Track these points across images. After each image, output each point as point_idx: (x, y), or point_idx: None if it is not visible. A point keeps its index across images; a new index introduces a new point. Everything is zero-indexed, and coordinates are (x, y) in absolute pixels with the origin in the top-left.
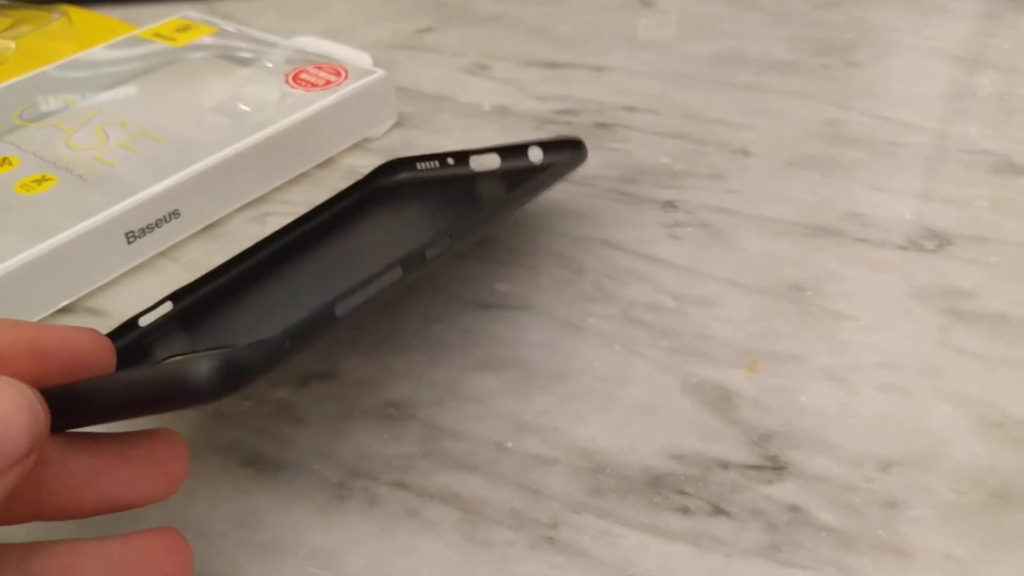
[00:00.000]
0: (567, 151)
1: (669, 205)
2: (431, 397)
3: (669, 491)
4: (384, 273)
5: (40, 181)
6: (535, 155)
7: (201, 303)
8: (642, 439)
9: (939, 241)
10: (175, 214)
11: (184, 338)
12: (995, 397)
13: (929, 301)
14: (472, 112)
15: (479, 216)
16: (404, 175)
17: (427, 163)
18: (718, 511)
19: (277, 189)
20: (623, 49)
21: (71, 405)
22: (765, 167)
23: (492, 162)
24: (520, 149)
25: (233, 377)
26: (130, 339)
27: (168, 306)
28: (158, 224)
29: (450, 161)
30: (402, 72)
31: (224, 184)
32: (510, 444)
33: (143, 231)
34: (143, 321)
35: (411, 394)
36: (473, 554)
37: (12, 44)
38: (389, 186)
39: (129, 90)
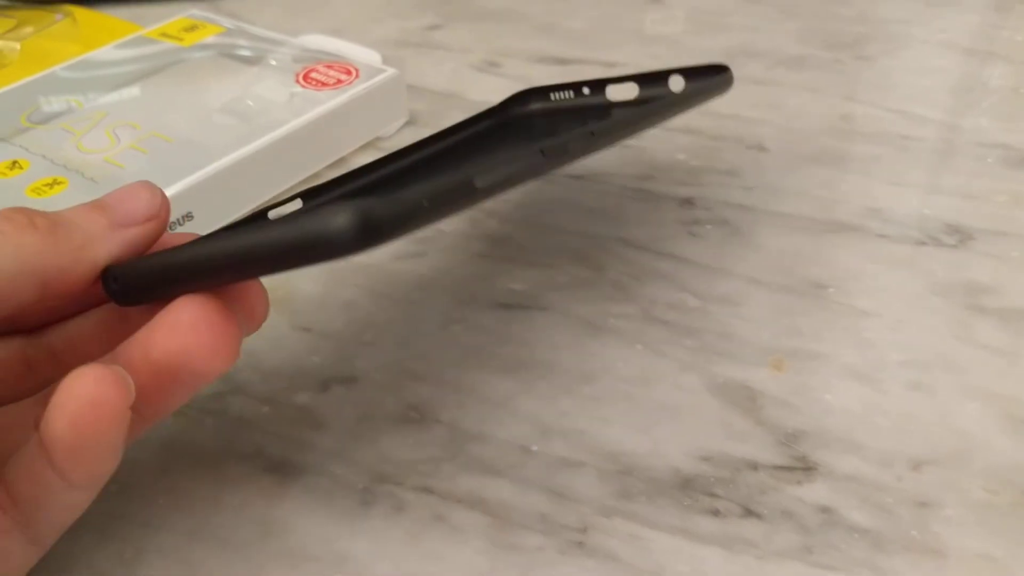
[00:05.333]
0: (711, 77)
1: (687, 202)
2: (453, 400)
3: (699, 493)
4: (527, 158)
5: (52, 184)
6: (676, 84)
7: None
8: (669, 441)
9: (960, 236)
10: (188, 216)
11: None
12: (1022, 393)
13: (952, 297)
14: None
15: (618, 122)
16: (537, 105)
17: (562, 93)
18: (749, 513)
19: (289, 190)
20: (632, 44)
21: (205, 264)
22: (781, 162)
23: (630, 92)
24: (660, 77)
25: (370, 230)
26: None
27: (298, 203)
28: (171, 227)
29: (585, 91)
30: (411, 70)
31: (236, 186)
32: (535, 447)
33: None
34: (272, 214)
35: (432, 397)
36: (502, 560)
37: (16, 45)
38: (521, 116)
39: (137, 91)
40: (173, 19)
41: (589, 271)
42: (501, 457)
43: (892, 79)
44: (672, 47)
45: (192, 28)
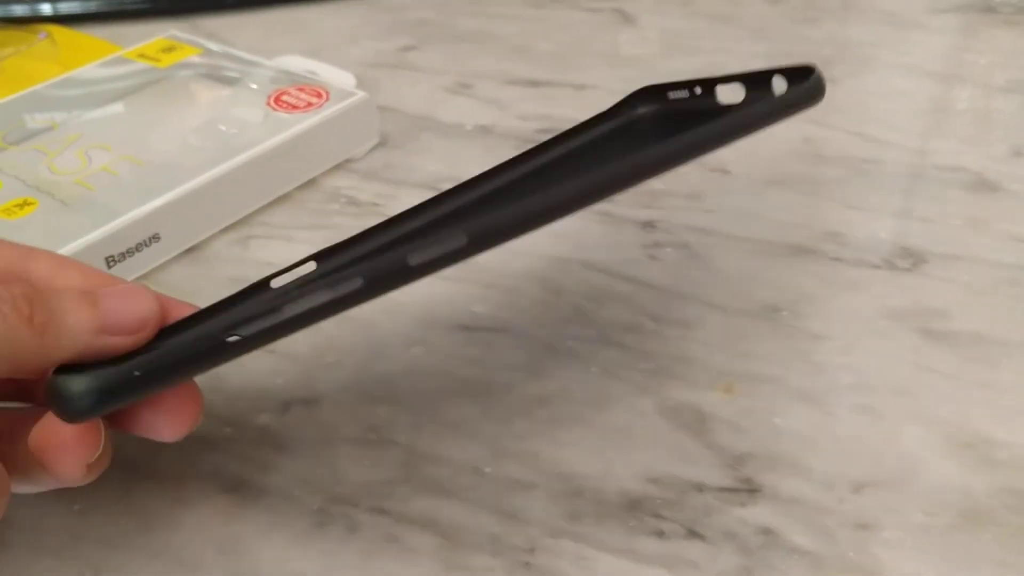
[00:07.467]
0: (803, 80)
1: (648, 225)
2: (411, 421)
3: (645, 515)
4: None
5: (22, 205)
6: (779, 85)
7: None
8: (619, 463)
9: (914, 260)
10: (155, 238)
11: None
12: (966, 418)
13: (903, 321)
14: (454, 132)
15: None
16: (651, 108)
17: (678, 92)
18: (692, 534)
19: (259, 211)
20: (604, 66)
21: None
22: (743, 186)
23: (736, 94)
24: (764, 77)
25: (74, 408)
26: (261, 300)
27: (311, 266)
28: (138, 248)
29: (697, 91)
30: (385, 91)
31: (205, 207)
32: (488, 469)
33: (123, 255)
34: (275, 282)
35: (391, 419)
36: None
37: None
38: (636, 119)
39: (112, 111)
40: (151, 40)
41: (549, 294)
42: (455, 478)
43: (856, 102)
44: (643, 69)
45: (170, 49)
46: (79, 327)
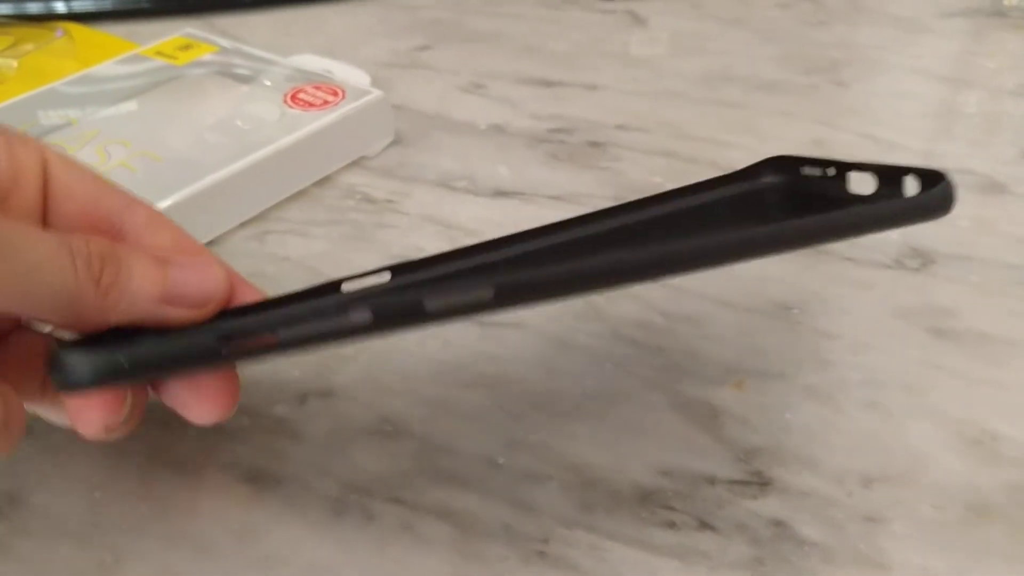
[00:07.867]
0: (932, 189)
1: None
2: (426, 414)
3: (657, 506)
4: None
5: None
6: (911, 186)
7: (426, 283)
8: (632, 455)
9: (922, 260)
10: None
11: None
12: (974, 415)
13: (912, 319)
14: (467, 131)
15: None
16: (780, 178)
17: (812, 168)
18: (704, 526)
19: (275, 207)
20: (615, 67)
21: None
22: None
23: (867, 185)
24: (896, 174)
25: (66, 382)
26: (328, 303)
27: (384, 276)
28: None
29: (830, 172)
30: (399, 90)
31: (222, 203)
32: (502, 460)
33: None
34: (346, 286)
35: (406, 411)
36: (466, 569)
37: (14, 63)
38: (763, 189)
39: (130, 108)
40: (169, 37)
41: None
42: (469, 469)
43: (866, 105)
44: (654, 70)
45: (187, 47)
46: (142, 293)
